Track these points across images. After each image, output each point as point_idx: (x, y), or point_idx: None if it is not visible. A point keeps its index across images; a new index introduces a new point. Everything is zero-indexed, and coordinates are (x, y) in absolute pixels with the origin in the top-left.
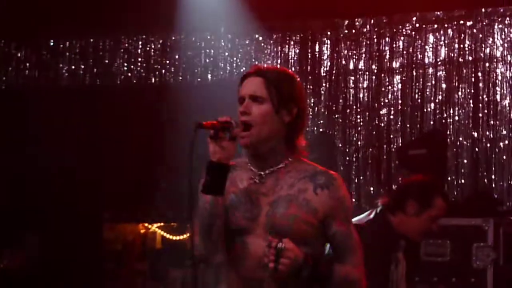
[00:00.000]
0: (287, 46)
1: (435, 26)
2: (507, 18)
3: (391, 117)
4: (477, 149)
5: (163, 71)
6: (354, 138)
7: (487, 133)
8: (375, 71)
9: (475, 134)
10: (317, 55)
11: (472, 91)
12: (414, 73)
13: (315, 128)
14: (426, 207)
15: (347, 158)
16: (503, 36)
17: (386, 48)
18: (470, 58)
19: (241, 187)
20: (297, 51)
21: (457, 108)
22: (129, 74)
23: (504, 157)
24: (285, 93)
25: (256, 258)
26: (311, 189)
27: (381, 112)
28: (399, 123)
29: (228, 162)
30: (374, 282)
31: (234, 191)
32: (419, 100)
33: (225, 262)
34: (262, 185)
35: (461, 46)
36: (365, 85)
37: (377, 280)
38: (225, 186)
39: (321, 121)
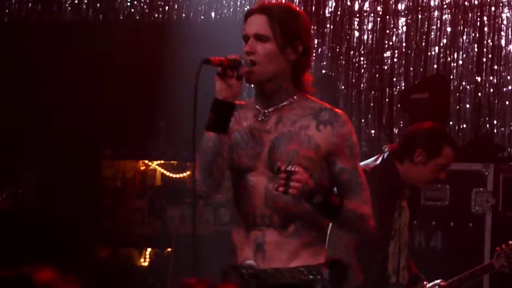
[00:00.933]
0: None
1: None
2: None
3: (395, 60)
4: (480, 94)
5: (167, 8)
6: (357, 81)
7: (491, 78)
8: (380, 13)
9: (479, 79)
10: None
11: (477, 35)
12: (419, 16)
13: (318, 70)
14: (434, 156)
15: (350, 101)
16: None
17: None
18: (476, 2)
19: (245, 125)
20: None
21: (461, 53)
22: (132, 10)
23: (507, 102)
24: (290, 30)
25: (258, 196)
26: (314, 126)
27: (385, 55)
28: (403, 67)
29: (233, 100)
30: (377, 229)
31: (238, 129)
32: (423, 44)
33: (231, 201)
34: (266, 123)
35: None
36: (369, 27)
37: (380, 227)
38: (230, 125)
39: (324, 63)
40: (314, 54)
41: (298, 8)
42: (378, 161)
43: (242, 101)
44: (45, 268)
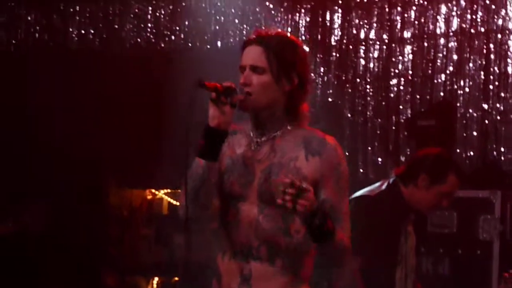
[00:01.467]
0: (297, 14)
1: None
2: None
3: (401, 87)
4: (486, 121)
5: (173, 37)
6: (363, 108)
7: (497, 105)
8: (386, 41)
9: (485, 106)
10: (328, 24)
11: (484, 62)
12: (425, 44)
13: (324, 97)
14: (438, 182)
15: (356, 128)
16: None
17: (398, 17)
18: (482, 30)
19: (237, 152)
20: (308, 19)
21: (467, 80)
22: (139, 40)
23: None
24: (286, 61)
25: (247, 224)
26: (303, 156)
27: (391, 83)
28: (409, 94)
29: (226, 128)
30: (383, 254)
31: (231, 155)
32: (429, 71)
33: (220, 227)
34: (258, 152)
35: (474, 17)
36: (375, 55)
37: (386, 252)
38: (220, 152)
39: (330, 91)
40: (318, 85)
41: (295, 38)
42: (384, 186)
43: (237, 124)
44: None
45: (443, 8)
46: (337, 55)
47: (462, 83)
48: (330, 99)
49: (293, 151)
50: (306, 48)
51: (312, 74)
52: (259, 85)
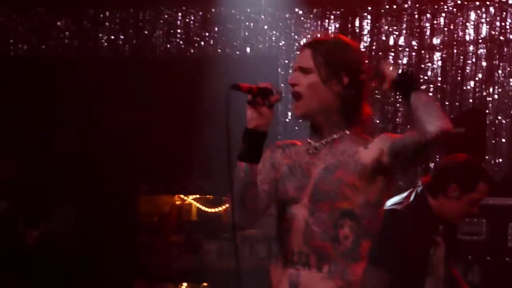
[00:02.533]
0: (327, 21)
1: (477, 3)
2: None
3: (430, 94)
4: None
5: (203, 43)
6: (393, 116)
7: None
8: (415, 47)
9: None
10: (357, 30)
11: None
12: (455, 51)
13: None
14: (469, 191)
15: None
16: None
17: (427, 24)
18: (511, 37)
19: (295, 159)
20: (337, 26)
21: (497, 87)
22: (169, 46)
23: None
24: (335, 62)
25: (298, 230)
26: (362, 149)
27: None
28: (438, 101)
29: (265, 129)
30: (412, 267)
31: (288, 163)
32: (459, 78)
33: (276, 235)
34: (316, 156)
35: (503, 24)
36: (405, 62)
37: (415, 264)
38: (261, 154)
39: None
40: (369, 86)
41: (349, 40)
42: (411, 198)
43: (297, 140)
44: None
45: (473, 15)
46: (366, 61)
47: (491, 90)
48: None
49: (353, 149)
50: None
51: None
52: (306, 85)
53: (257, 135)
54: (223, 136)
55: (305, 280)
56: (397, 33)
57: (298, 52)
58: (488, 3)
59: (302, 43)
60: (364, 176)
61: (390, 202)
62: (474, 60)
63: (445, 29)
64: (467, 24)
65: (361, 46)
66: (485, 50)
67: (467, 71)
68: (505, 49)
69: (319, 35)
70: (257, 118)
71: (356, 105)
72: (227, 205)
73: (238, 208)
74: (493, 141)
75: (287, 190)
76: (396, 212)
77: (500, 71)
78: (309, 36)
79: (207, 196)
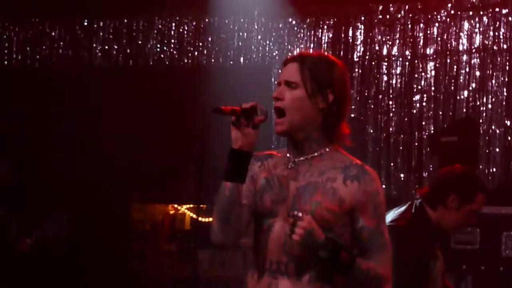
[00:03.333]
0: (320, 30)
1: (470, 13)
2: None
3: (424, 104)
4: (509, 138)
5: (196, 53)
6: (386, 124)
7: None
8: (409, 57)
9: (508, 123)
10: (350, 40)
11: (506, 79)
12: (448, 60)
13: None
14: (468, 202)
15: (379, 144)
16: None
17: (420, 34)
18: (505, 46)
19: (273, 172)
20: (330, 35)
21: (490, 96)
22: (162, 56)
23: None
24: (321, 78)
25: (277, 241)
26: (341, 180)
27: (414, 99)
28: (432, 110)
29: (250, 149)
30: (414, 281)
31: (266, 176)
32: (452, 88)
33: (252, 245)
34: (294, 171)
35: (496, 34)
36: (398, 71)
37: (417, 278)
38: (246, 174)
39: (353, 107)
40: (350, 104)
41: (333, 58)
42: (411, 211)
43: (275, 151)
44: None
45: (466, 25)
46: (360, 71)
47: (484, 99)
48: (352, 115)
49: (331, 173)
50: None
51: None
52: (291, 100)
53: (242, 155)
54: (216, 147)
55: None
56: (390, 42)
57: (283, 66)
58: (481, 12)
59: (289, 55)
60: (343, 208)
61: (389, 218)
62: (467, 69)
63: (439, 38)
64: (461, 33)
65: (355, 56)
66: (478, 60)
67: (461, 80)
68: (499, 59)
69: (305, 51)
70: (241, 138)
71: (337, 122)
72: None
73: (222, 227)
74: (487, 150)
75: (264, 203)
76: (397, 228)
77: (493, 81)
78: (302, 46)
79: (201, 205)
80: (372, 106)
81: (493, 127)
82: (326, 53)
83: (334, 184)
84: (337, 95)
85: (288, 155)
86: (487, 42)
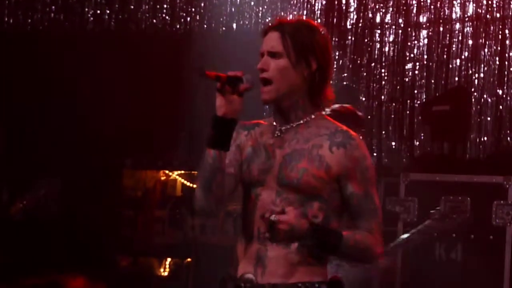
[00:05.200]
0: None
1: None
2: None
3: (416, 72)
4: (501, 107)
5: (188, 18)
6: (378, 93)
7: None
8: (402, 25)
9: (500, 92)
10: (344, 7)
11: (499, 48)
12: (441, 29)
13: (339, 81)
14: None
15: (371, 112)
16: None
17: (414, 2)
18: (498, 15)
19: (259, 141)
20: (324, 2)
21: (482, 65)
22: (154, 21)
23: None
24: (303, 46)
25: (265, 210)
26: (327, 146)
27: (406, 67)
28: (424, 79)
29: (234, 116)
30: None
31: (252, 145)
32: (444, 56)
33: (241, 215)
34: (280, 139)
35: (489, 2)
36: (391, 39)
37: None
38: (230, 142)
39: (345, 75)
40: (333, 69)
41: (316, 23)
42: None
43: (262, 120)
44: (75, 276)
45: None
46: (353, 39)
47: (477, 68)
48: (345, 83)
49: (317, 140)
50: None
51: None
52: (276, 70)
53: (226, 123)
54: (207, 113)
55: (272, 254)
56: (383, 10)
57: (264, 35)
58: None
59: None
60: (330, 174)
61: None
62: (460, 38)
63: (432, 7)
64: (454, 2)
65: (348, 23)
66: (471, 29)
67: (453, 49)
68: (491, 28)
69: (283, 18)
70: (225, 105)
71: (322, 88)
72: None
73: (204, 194)
74: (478, 120)
75: (251, 172)
76: None
77: (486, 50)
78: (295, 13)
79: (192, 171)
80: (365, 74)
81: (485, 96)
82: (304, 18)
83: (320, 151)
84: (320, 61)
85: (274, 123)
86: (480, 11)
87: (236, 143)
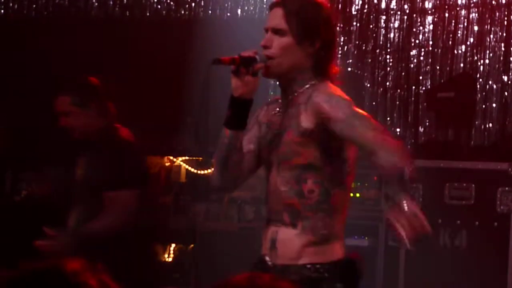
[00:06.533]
0: None
1: None
2: None
3: (421, 58)
4: (506, 94)
5: (193, 4)
6: (383, 79)
7: None
8: (407, 11)
9: (505, 78)
10: None
11: (504, 35)
12: (446, 15)
13: (344, 68)
14: None
15: (375, 99)
16: None
17: None
18: (504, 1)
19: (268, 118)
20: None
21: (488, 52)
22: (159, 7)
23: None
24: (307, 23)
25: (273, 189)
26: (303, 110)
27: (411, 53)
28: (429, 65)
29: (250, 97)
30: None
31: (265, 121)
32: (450, 42)
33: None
34: (280, 116)
35: None
36: (396, 25)
37: None
38: (246, 121)
39: (350, 61)
40: (337, 45)
41: (319, 0)
42: None
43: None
44: (74, 259)
45: None
46: (358, 25)
47: (482, 55)
48: (349, 69)
49: (296, 110)
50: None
51: None
52: (279, 47)
53: (242, 103)
54: (213, 99)
55: (282, 237)
56: None
57: (269, 11)
58: None
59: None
60: (307, 134)
61: None
62: (465, 24)
63: None
64: None
65: (353, 9)
66: (476, 15)
67: (459, 35)
68: (497, 14)
69: None
70: (241, 86)
71: (327, 65)
72: None
73: (220, 172)
74: (483, 106)
75: (262, 151)
76: None
77: (491, 36)
78: None
79: (196, 158)
80: (369, 60)
81: (490, 82)
82: None
83: (298, 120)
84: (324, 38)
85: (279, 99)
86: None
87: (257, 120)
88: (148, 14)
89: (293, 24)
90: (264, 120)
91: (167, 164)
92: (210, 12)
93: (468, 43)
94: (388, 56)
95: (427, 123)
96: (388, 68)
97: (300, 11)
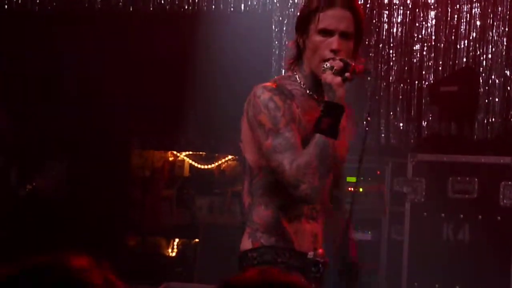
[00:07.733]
0: None
1: None
2: None
3: (424, 53)
4: (509, 88)
5: None
6: (386, 73)
7: None
8: (410, 5)
9: (508, 73)
10: None
11: (507, 29)
12: (449, 9)
13: None
14: None
15: (379, 93)
16: None
17: None
18: None
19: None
20: None
21: (490, 46)
22: (162, 1)
23: None
24: (362, 28)
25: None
26: None
27: (414, 48)
28: (432, 60)
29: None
30: None
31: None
32: (452, 37)
33: None
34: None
35: None
36: (399, 20)
37: None
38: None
39: None
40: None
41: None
42: None
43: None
44: (81, 254)
45: None
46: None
47: (485, 49)
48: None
49: None
50: None
51: None
52: (346, 53)
53: (341, 111)
54: (215, 93)
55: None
56: None
57: (330, 7)
58: None
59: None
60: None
61: None
62: (468, 19)
63: None
64: None
65: None
66: (479, 9)
67: (461, 30)
68: (499, 8)
69: None
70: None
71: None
72: (219, 162)
73: (322, 184)
74: (486, 100)
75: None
76: None
77: (494, 30)
78: None
79: (200, 152)
80: (373, 55)
81: (493, 77)
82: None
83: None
84: (359, 44)
85: (315, 96)
86: None
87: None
88: (151, 8)
89: (358, 31)
90: (307, 117)
91: (170, 158)
92: (213, 6)
93: (471, 37)
94: (391, 51)
95: (430, 117)
96: (391, 63)
97: (362, 18)
